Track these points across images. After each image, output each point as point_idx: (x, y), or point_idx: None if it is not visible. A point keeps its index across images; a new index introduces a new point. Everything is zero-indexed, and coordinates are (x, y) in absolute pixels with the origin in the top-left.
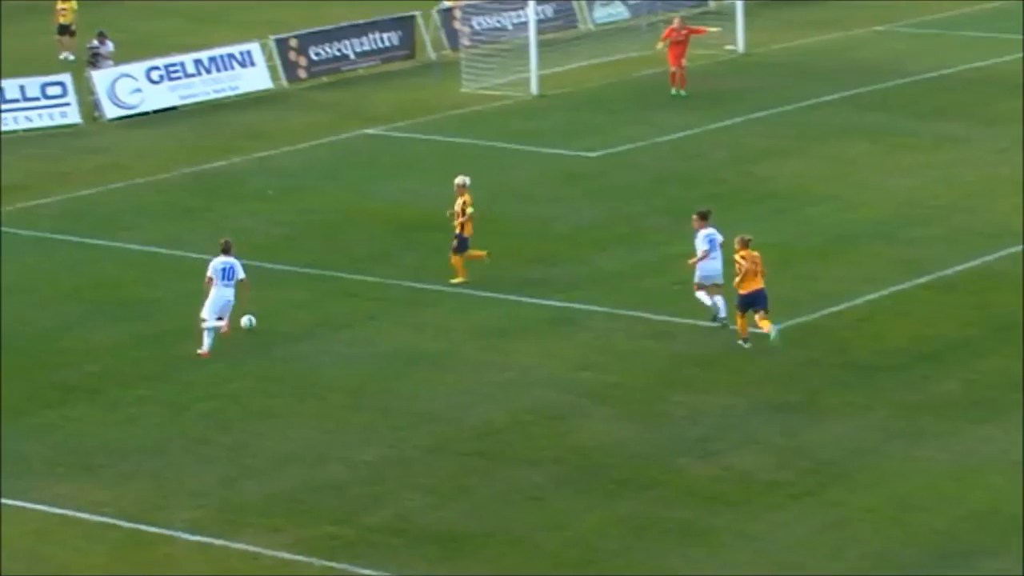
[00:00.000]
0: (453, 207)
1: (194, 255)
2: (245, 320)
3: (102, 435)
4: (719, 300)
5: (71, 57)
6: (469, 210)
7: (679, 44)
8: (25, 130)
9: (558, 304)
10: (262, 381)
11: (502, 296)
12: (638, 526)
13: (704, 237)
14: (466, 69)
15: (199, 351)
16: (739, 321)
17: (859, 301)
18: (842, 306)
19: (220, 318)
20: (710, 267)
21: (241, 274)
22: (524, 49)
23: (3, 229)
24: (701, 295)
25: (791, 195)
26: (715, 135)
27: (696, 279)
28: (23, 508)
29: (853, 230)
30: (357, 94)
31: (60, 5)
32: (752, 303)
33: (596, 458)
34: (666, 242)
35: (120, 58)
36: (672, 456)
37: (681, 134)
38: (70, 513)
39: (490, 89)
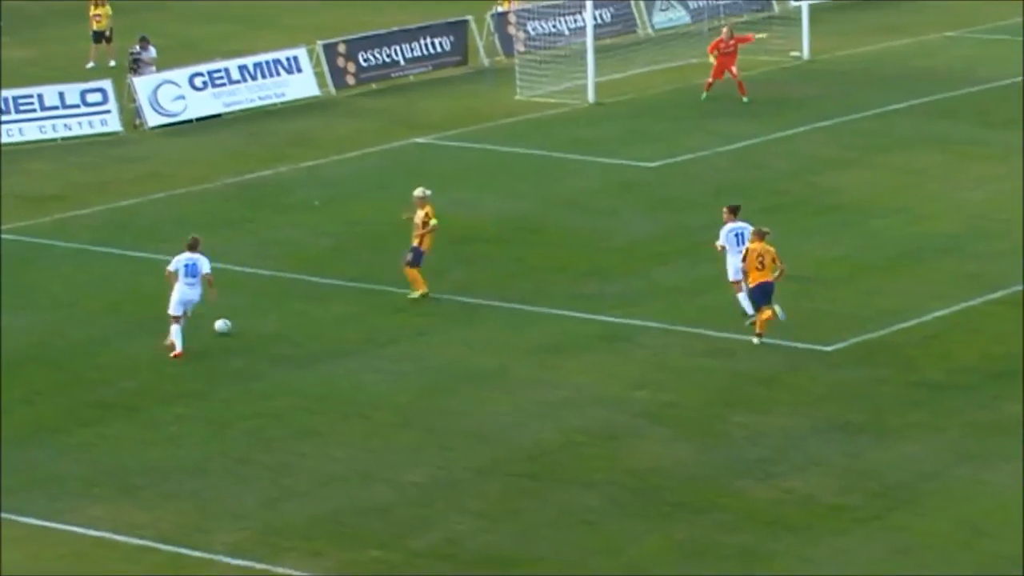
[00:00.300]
0: (414, 217)
1: (237, 268)
2: (220, 324)
3: (140, 454)
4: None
5: (94, 65)
6: (432, 222)
7: (727, 55)
8: (64, 138)
9: (613, 320)
10: (306, 399)
11: (555, 311)
12: (696, 551)
13: (730, 231)
14: (521, 76)
15: (173, 352)
16: (758, 318)
17: (927, 317)
18: (909, 323)
19: (183, 314)
20: (738, 263)
21: (206, 269)
22: (581, 55)
23: (40, 240)
24: (741, 296)
25: (857, 207)
26: (778, 144)
27: (730, 277)
28: (58, 530)
29: (921, 244)
30: (407, 101)
31: (94, 11)
32: (766, 296)
33: (652, 480)
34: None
35: (163, 64)
36: (731, 478)
37: (743, 143)
38: (107, 535)
39: (545, 96)
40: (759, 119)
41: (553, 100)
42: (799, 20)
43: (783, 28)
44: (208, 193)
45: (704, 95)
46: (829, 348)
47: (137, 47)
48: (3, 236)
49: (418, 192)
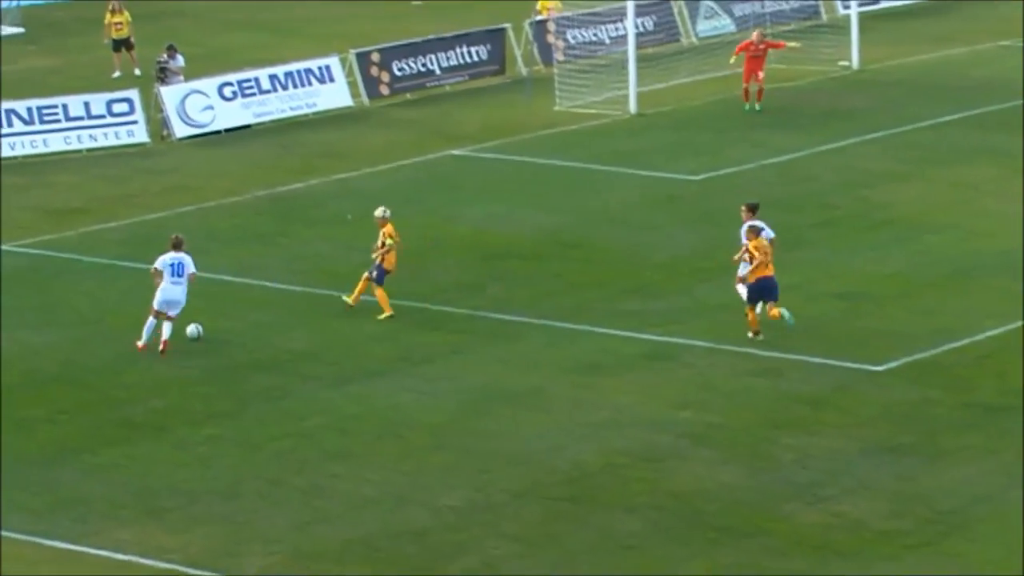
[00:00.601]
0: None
1: (268, 283)
2: (191, 329)
3: (168, 476)
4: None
5: (120, 74)
6: (388, 241)
7: (756, 59)
8: (89, 150)
9: (656, 338)
10: (338, 419)
11: (595, 329)
12: None
13: (748, 229)
14: (560, 85)
15: (138, 344)
16: (750, 314)
17: (981, 337)
18: (963, 342)
19: (167, 314)
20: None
21: (191, 269)
22: (622, 64)
23: (65, 255)
24: (740, 288)
25: (909, 222)
26: (827, 157)
27: (740, 272)
28: (83, 553)
29: (976, 261)
30: (443, 112)
31: (114, 19)
32: (762, 293)
33: (696, 504)
34: (775, 272)
35: (191, 73)
36: (779, 502)
37: (790, 156)
38: (134, 559)
39: (585, 107)
40: (807, 131)
41: (593, 111)
42: (848, 28)
43: (831, 37)
44: (237, 206)
45: (747, 106)
46: (880, 368)
47: (164, 56)
48: (28, 250)
49: (378, 212)
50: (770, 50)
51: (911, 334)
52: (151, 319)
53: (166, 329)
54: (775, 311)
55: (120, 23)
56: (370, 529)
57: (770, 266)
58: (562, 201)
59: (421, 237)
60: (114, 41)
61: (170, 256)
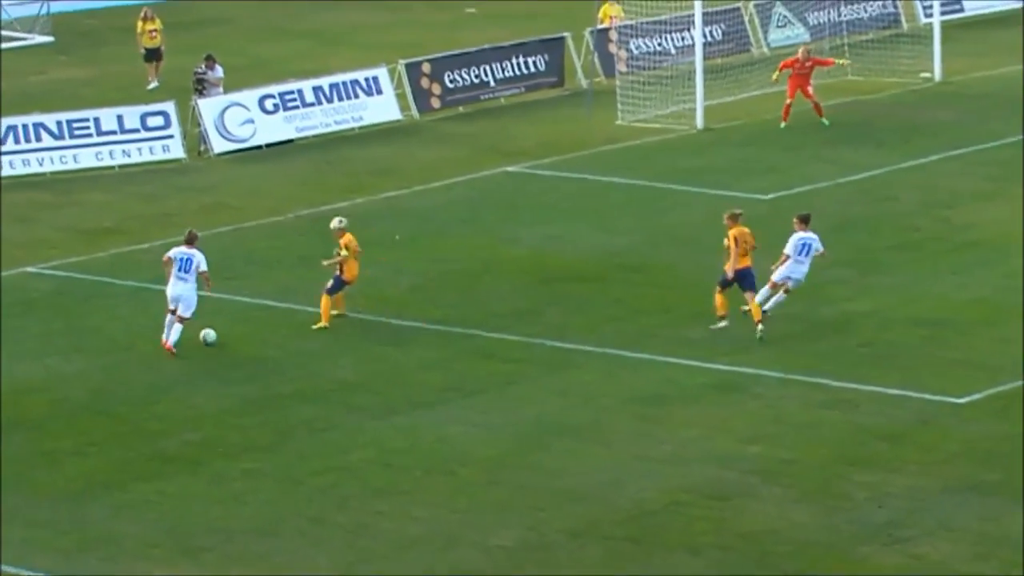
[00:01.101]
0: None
1: (311, 309)
2: (204, 333)
3: (204, 513)
4: (773, 295)
5: (156, 85)
6: (343, 252)
7: (801, 76)
8: (122, 166)
9: (723, 368)
10: (384, 452)
11: (659, 358)
12: None
13: (798, 241)
14: (622, 98)
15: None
16: (717, 299)
17: None
18: None
19: (176, 312)
20: (795, 270)
21: (202, 266)
22: (689, 76)
23: (96, 277)
24: (763, 290)
25: (995, 245)
26: (907, 175)
27: (774, 277)
28: None
29: None
30: (498, 126)
31: (148, 27)
32: (738, 281)
33: (765, 545)
34: (849, 298)
35: (230, 85)
36: (854, 544)
37: (867, 174)
38: None
39: (649, 121)
40: (886, 147)
41: (657, 125)
42: (930, 38)
43: (912, 47)
44: (279, 226)
45: (783, 124)
46: (962, 400)
47: (202, 66)
48: (57, 272)
49: (334, 223)
50: (817, 67)
51: (996, 364)
52: (168, 315)
53: (174, 331)
54: (756, 306)
55: (154, 31)
56: (417, 571)
57: (749, 257)
58: (624, 221)
59: (475, 259)
60: (147, 51)
61: (181, 250)
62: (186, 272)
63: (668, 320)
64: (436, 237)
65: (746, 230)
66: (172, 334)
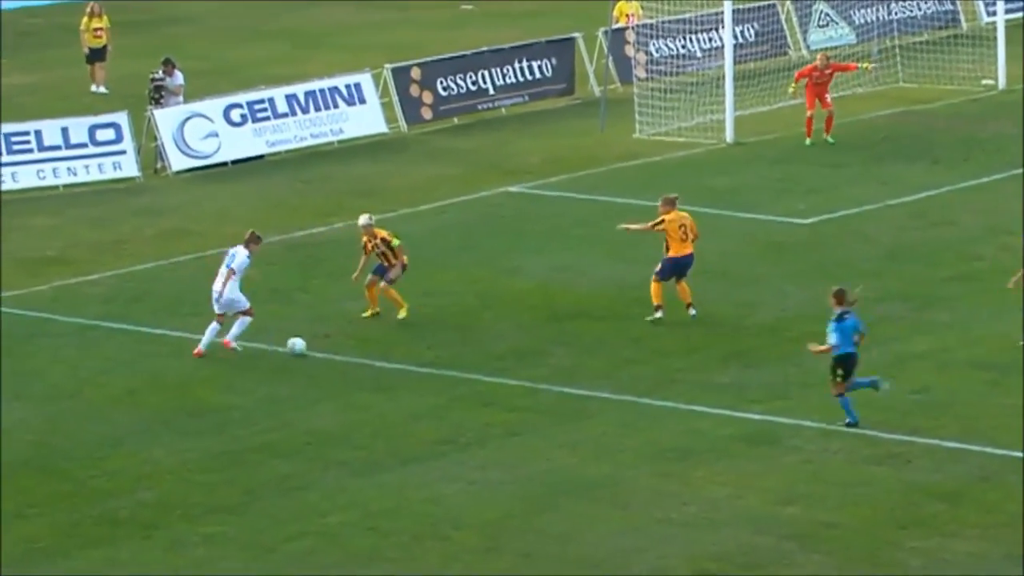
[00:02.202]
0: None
1: (283, 349)
2: (292, 343)
3: None
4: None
5: (105, 90)
6: (395, 242)
7: (820, 85)
8: (67, 185)
9: (756, 417)
10: (368, 515)
11: (683, 406)
12: None
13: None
14: (641, 108)
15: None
16: (654, 287)
17: None
18: None
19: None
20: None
21: (231, 262)
22: (717, 83)
23: (38, 314)
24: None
25: None
26: (967, 196)
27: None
28: None
29: None
30: (498, 140)
31: (93, 24)
32: (676, 270)
33: None
34: (902, 337)
35: (192, 93)
36: None
37: (922, 194)
38: None
39: (672, 135)
40: (943, 164)
41: (681, 139)
42: (993, 40)
43: (973, 50)
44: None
45: (809, 140)
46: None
47: (160, 72)
48: None
49: (363, 220)
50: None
51: None
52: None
53: (208, 332)
54: (687, 294)
55: (100, 29)
56: None
57: (689, 244)
58: (643, 249)
59: (472, 293)
60: (91, 51)
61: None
62: (227, 266)
63: (693, 363)
64: (427, 268)
65: (687, 216)
66: (206, 335)
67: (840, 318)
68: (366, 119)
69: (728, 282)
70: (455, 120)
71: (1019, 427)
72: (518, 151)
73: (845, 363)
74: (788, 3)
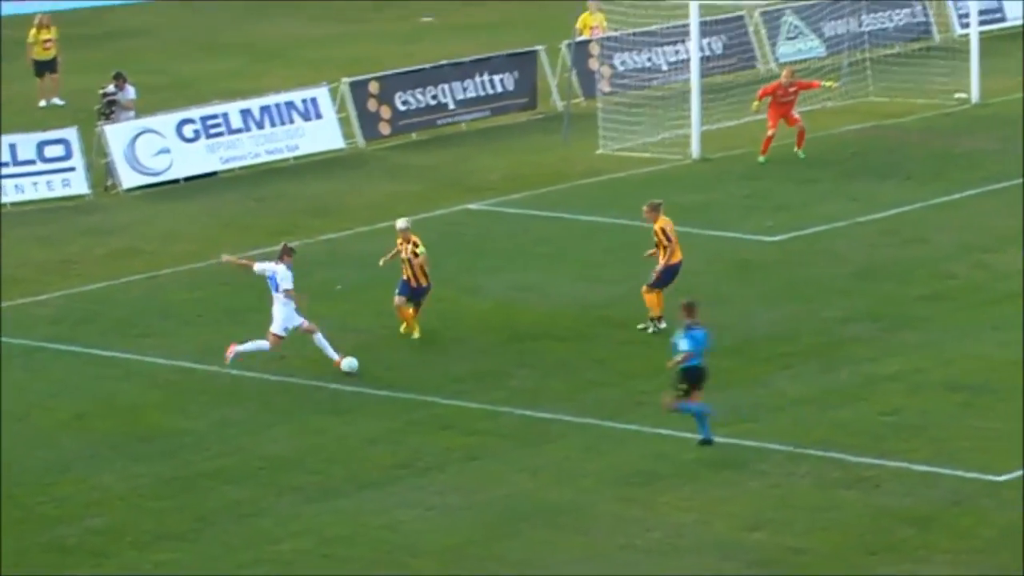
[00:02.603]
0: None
1: (237, 372)
2: (347, 363)
3: None
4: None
5: (60, 103)
6: (420, 250)
7: (784, 104)
8: (15, 203)
9: (722, 440)
10: (323, 542)
11: (648, 429)
12: None
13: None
14: (605, 123)
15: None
16: (650, 299)
17: None
18: None
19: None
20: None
21: (286, 283)
22: (684, 97)
23: None
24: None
25: None
26: (940, 213)
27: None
28: None
29: None
30: (458, 156)
31: (42, 36)
32: (673, 279)
33: None
34: (872, 358)
35: (144, 108)
36: None
37: (894, 211)
38: None
39: (637, 150)
40: (915, 180)
41: (647, 155)
42: (966, 52)
43: (946, 63)
44: (199, 275)
45: (762, 158)
46: (1002, 478)
47: (111, 86)
48: None
49: (400, 223)
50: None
51: None
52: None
53: (322, 345)
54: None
55: (49, 41)
56: None
57: (678, 251)
58: (608, 268)
59: (431, 313)
60: (39, 63)
61: (269, 266)
62: (274, 291)
63: (659, 385)
64: (385, 287)
65: (670, 223)
66: (325, 348)
67: (690, 329)
68: (323, 135)
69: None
70: (414, 135)
71: (992, 449)
72: (479, 167)
73: (692, 376)
74: (756, 15)
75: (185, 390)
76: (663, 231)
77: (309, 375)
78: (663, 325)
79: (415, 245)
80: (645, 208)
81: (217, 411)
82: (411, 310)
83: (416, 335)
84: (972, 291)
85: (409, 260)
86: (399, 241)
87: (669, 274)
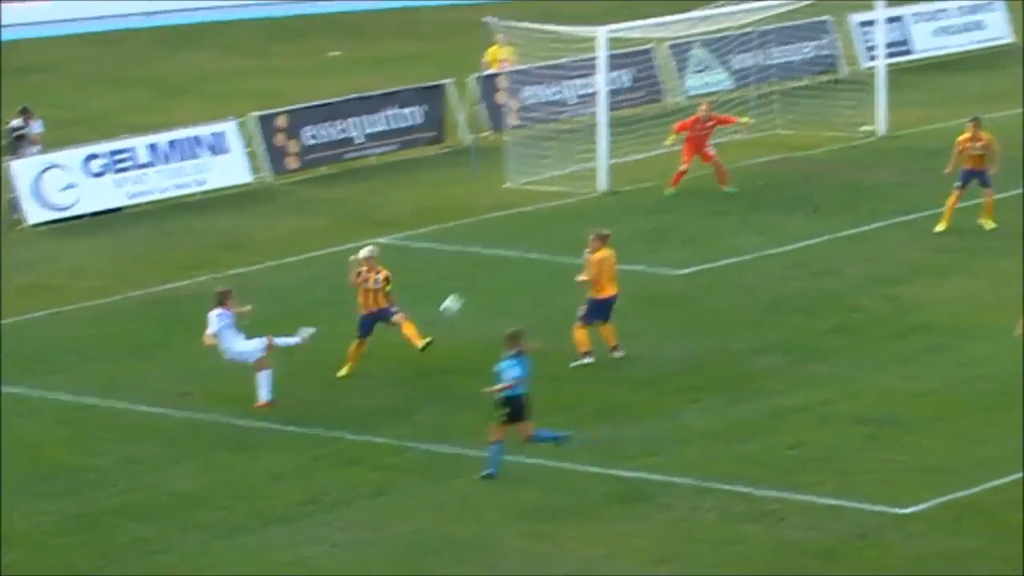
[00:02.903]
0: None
1: (143, 408)
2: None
3: None
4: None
5: None
6: (388, 288)
7: (700, 137)
8: None
9: (629, 474)
10: None
11: (554, 463)
12: None
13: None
14: (514, 156)
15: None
16: (579, 333)
17: None
18: (1010, 477)
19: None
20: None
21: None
22: (592, 130)
23: None
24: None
25: (949, 328)
26: (848, 245)
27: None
28: None
29: None
30: (366, 190)
31: None
32: (601, 312)
33: None
34: (780, 390)
35: (50, 143)
36: None
37: (802, 243)
38: None
39: (545, 184)
40: (823, 213)
41: (555, 188)
42: (874, 86)
43: (852, 95)
44: (106, 311)
45: (670, 191)
46: (907, 511)
47: (17, 120)
48: None
49: (364, 252)
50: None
51: (947, 468)
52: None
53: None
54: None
55: None
56: None
57: (614, 283)
58: (516, 302)
59: (339, 348)
60: None
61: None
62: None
63: (566, 419)
64: (293, 321)
65: (612, 254)
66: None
67: (513, 358)
68: (231, 169)
69: (601, 336)
70: (323, 169)
71: (898, 482)
72: (387, 201)
73: (514, 404)
74: (664, 47)
75: (90, 427)
76: (599, 261)
77: (216, 411)
78: (588, 360)
79: (385, 279)
80: (592, 237)
81: (123, 448)
82: (364, 347)
83: (343, 373)
84: (879, 324)
85: (375, 290)
86: (363, 270)
87: (599, 307)
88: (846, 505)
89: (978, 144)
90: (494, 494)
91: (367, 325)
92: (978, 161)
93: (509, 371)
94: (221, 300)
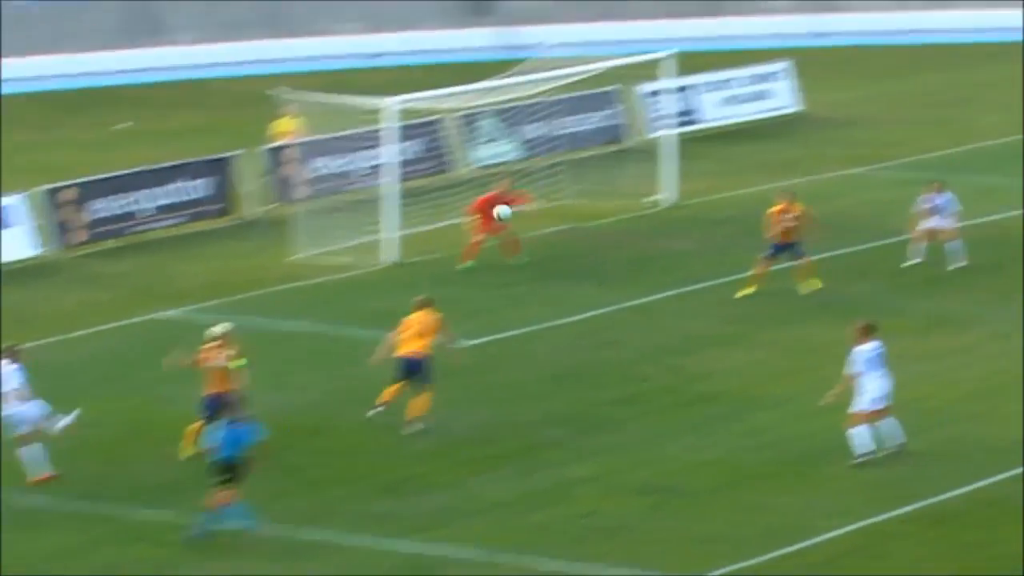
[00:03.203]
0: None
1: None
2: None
3: None
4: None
5: None
6: (241, 362)
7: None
8: None
9: (415, 548)
10: None
11: (339, 539)
12: None
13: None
14: (302, 228)
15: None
16: (389, 391)
17: (821, 539)
18: (798, 545)
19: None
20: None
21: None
22: (380, 201)
23: None
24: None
25: (734, 397)
26: (634, 316)
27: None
28: None
29: (816, 444)
30: (153, 263)
31: None
32: (411, 371)
33: None
34: (566, 461)
35: None
36: None
37: (589, 314)
38: None
39: (332, 255)
40: (609, 284)
41: (343, 260)
42: (660, 155)
43: (640, 165)
44: None
45: (469, 263)
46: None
47: None
48: None
49: (220, 328)
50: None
51: (735, 537)
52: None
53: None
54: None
55: None
56: None
57: (426, 339)
58: (301, 375)
59: (123, 423)
60: None
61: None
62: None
63: (352, 492)
64: (75, 397)
65: (432, 317)
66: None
67: (229, 424)
68: (16, 243)
69: (389, 409)
70: (110, 243)
71: (685, 552)
72: (175, 274)
73: (230, 467)
74: (453, 119)
75: None
76: (418, 320)
77: None
78: (379, 410)
79: (236, 354)
80: (416, 303)
81: None
82: (200, 426)
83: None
84: (664, 393)
85: (221, 369)
86: (212, 347)
87: (419, 366)
88: (636, 575)
89: (790, 216)
90: (277, 572)
91: (212, 407)
92: (788, 234)
93: (212, 435)
94: (14, 355)
